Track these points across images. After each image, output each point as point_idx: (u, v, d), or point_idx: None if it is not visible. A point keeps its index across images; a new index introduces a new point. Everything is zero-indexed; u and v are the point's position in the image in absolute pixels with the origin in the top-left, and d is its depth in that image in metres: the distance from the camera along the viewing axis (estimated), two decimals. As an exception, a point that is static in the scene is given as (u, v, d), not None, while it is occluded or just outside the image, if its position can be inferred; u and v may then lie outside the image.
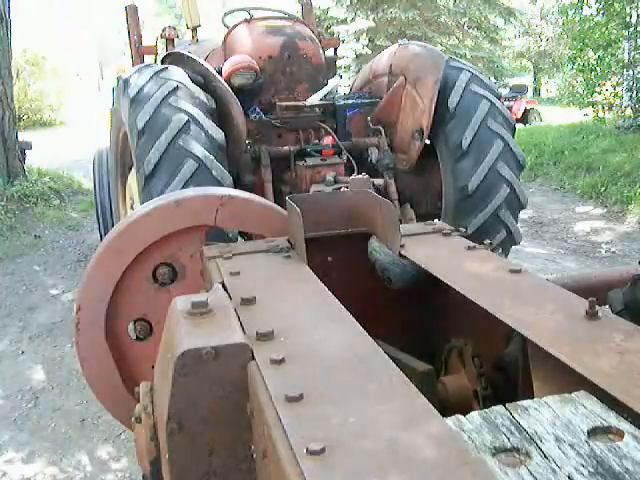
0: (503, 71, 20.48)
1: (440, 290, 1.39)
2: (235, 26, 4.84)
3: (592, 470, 0.69)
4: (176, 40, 5.58)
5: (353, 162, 4.34)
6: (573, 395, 0.84)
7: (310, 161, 4.26)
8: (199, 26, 5.49)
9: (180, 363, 0.91)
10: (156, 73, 3.73)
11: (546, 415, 0.80)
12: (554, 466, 0.70)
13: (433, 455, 0.70)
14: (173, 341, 0.98)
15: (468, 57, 17.38)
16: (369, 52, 17.94)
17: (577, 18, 11.91)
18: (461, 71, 4.19)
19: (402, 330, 1.60)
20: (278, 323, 1.06)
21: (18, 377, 4.08)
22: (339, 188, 3.90)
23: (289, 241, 1.58)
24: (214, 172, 3.46)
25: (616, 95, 11.33)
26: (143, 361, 1.66)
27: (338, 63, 6.30)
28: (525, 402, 0.83)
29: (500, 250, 3.77)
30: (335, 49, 5.68)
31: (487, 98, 4.08)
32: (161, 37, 5.53)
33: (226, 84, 3.96)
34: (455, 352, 1.49)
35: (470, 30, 20.10)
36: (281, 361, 0.92)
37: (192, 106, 3.58)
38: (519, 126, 8.88)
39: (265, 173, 4.24)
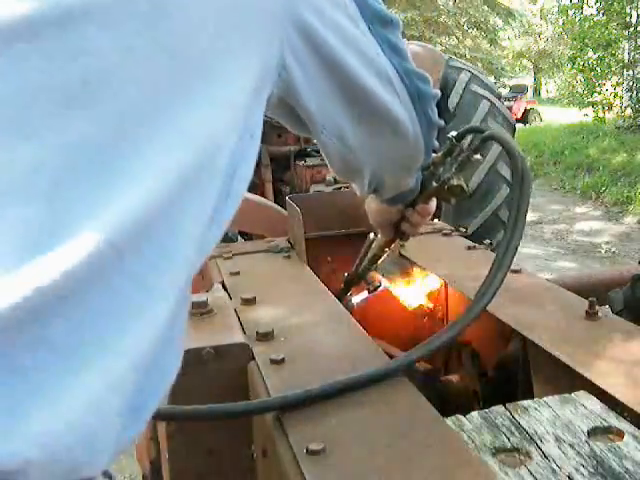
0: (502, 71, 20.47)
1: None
2: (235, 26, 4.84)
3: (592, 470, 0.69)
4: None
5: (353, 162, 4.33)
6: (573, 395, 0.84)
7: (310, 161, 4.25)
8: (199, 26, 5.48)
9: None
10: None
11: (546, 415, 0.80)
12: (554, 466, 0.70)
13: (433, 455, 0.70)
14: (173, 341, 0.98)
15: (467, 57, 17.37)
16: (369, 52, 17.91)
17: (577, 18, 11.94)
18: (461, 71, 4.18)
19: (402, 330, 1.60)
20: (278, 323, 1.06)
21: (18, 377, 4.08)
22: (339, 188, 3.90)
23: (289, 241, 1.58)
24: (214, 172, 3.45)
25: (616, 95, 11.34)
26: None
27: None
28: (525, 402, 0.83)
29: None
30: (335, 49, 5.68)
31: (487, 98, 4.07)
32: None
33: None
34: (455, 352, 1.49)
35: (469, 30, 20.09)
36: (281, 361, 0.92)
37: (192, 106, 3.58)
38: (519, 126, 8.89)
39: (265, 173, 4.23)
